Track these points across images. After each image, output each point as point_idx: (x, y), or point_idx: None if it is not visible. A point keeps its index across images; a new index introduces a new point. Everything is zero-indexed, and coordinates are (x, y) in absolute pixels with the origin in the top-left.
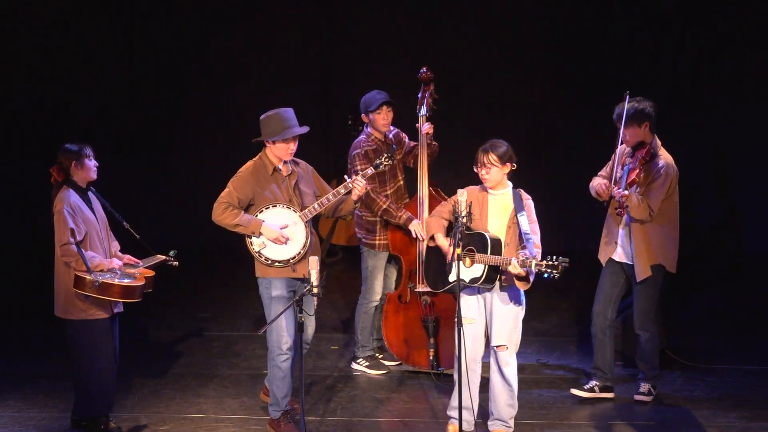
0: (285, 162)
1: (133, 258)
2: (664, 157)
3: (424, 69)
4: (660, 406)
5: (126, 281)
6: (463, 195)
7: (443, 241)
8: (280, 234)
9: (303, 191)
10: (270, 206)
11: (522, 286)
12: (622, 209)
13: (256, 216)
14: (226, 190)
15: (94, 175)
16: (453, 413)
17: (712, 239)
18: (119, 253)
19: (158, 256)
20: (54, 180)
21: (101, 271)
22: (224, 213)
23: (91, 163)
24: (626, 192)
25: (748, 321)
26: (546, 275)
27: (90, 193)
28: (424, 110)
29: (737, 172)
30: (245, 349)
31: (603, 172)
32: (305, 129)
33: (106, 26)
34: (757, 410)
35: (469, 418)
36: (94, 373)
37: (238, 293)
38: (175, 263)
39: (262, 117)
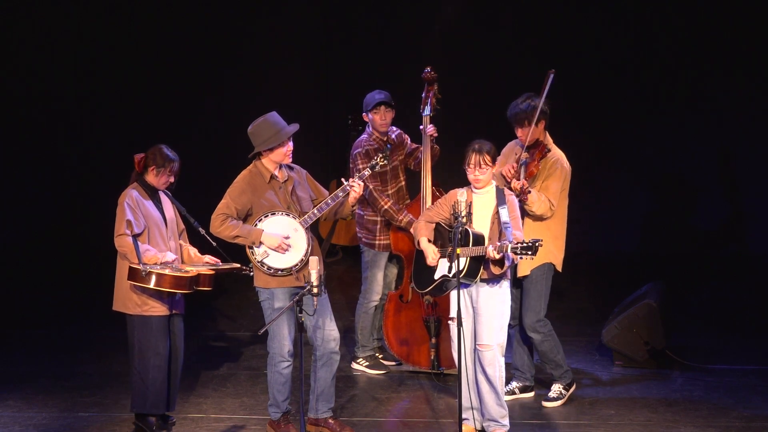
0: (280, 167)
1: (213, 258)
2: (557, 154)
3: (428, 69)
4: (660, 405)
5: (176, 273)
6: (463, 195)
7: (426, 245)
8: (282, 241)
9: (300, 197)
10: (269, 214)
11: (495, 271)
12: (524, 196)
13: (256, 225)
14: (224, 201)
15: (161, 187)
16: (466, 414)
17: (717, 239)
18: (198, 254)
19: (234, 264)
20: (135, 167)
21: (154, 264)
22: (223, 225)
23: (165, 179)
24: (525, 182)
25: (748, 321)
26: (521, 257)
27: (163, 194)
28: (427, 110)
29: (743, 171)
30: (245, 349)
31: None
32: (296, 126)
33: (107, 26)
34: (757, 410)
35: (477, 416)
36: (148, 370)
37: (238, 293)
38: (251, 273)
39: (250, 129)
